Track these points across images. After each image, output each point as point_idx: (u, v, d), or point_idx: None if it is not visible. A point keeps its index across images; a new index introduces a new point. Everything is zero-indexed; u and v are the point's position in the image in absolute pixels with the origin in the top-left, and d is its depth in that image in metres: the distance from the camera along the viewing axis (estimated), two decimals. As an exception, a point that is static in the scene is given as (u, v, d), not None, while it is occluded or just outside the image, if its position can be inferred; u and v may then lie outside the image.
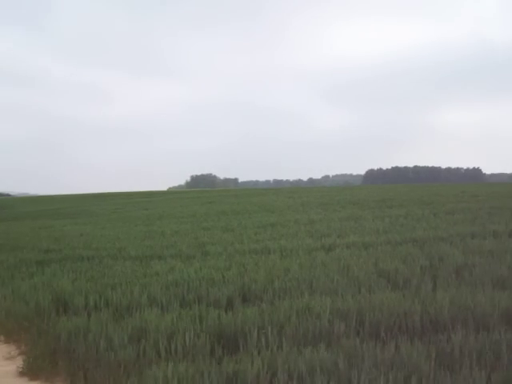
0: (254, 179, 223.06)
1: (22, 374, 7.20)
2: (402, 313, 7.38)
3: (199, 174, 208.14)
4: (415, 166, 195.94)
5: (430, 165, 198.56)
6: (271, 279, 10.05)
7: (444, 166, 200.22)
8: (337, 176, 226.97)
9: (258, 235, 18.51)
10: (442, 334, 6.66)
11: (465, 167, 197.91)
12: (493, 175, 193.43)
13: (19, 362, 7.60)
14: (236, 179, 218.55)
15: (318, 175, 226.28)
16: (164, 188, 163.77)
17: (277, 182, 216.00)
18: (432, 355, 5.91)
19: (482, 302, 7.66)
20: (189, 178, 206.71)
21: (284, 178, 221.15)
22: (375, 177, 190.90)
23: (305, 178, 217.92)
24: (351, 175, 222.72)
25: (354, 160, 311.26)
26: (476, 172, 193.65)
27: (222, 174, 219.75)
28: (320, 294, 8.85)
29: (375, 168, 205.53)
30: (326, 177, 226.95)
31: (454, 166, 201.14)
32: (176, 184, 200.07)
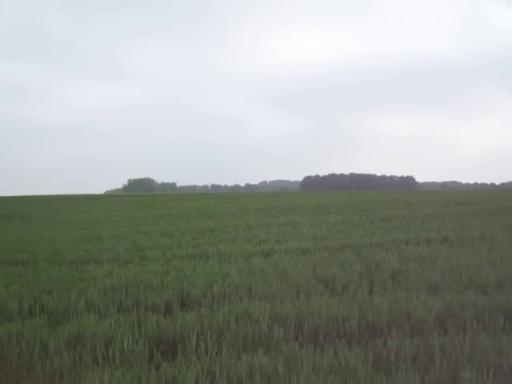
0: (192, 184, 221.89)
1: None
2: (340, 318, 7.49)
3: (137, 177, 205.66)
4: (351, 174, 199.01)
5: (366, 172, 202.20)
6: (210, 284, 10.02)
7: (379, 173, 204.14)
8: (274, 182, 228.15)
9: (196, 240, 18.44)
10: (378, 339, 6.78)
11: (399, 175, 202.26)
12: (425, 183, 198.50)
13: None
14: (174, 184, 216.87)
15: (255, 181, 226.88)
16: (101, 191, 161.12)
17: (215, 187, 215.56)
18: (369, 359, 6.02)
19: (417, 307, 7.85)
20: (126, 182, 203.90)
21: (222, 184, 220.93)
22: (312, 183, 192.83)
23: (242, 184, 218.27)
24: (289, 181, 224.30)
25: (291, 166, 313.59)
26: (409, 180, 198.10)
27: (159, 179, 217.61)
28: (259, 300, 8.88)
29: (312, 175, 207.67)
30: (264, 183, 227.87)
31: (388, 173, 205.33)
32: (113, 188, 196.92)
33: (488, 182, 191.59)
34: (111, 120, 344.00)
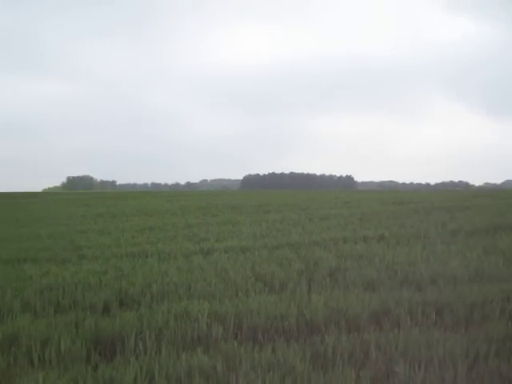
0: (131, 182, 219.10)
1: None
2: (279, 315, 7.57)
3: (76, 175, 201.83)
4: (291, 173, 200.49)
5: (306, 171, 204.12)
6: (149, 283, 9.96)
7: (319, 173, 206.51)
8: (215, 180, 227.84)
9: (135, 239, 18.28)
10: (316, 336, 6.90)
11: (338, 175, 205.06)
12: (363, 183, 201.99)
13: None
14: (114, 182, 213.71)
15: (196, 179, 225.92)
16: (38, 189, 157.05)
17: (155, 185, 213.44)
18: (307, 356, 6.12)
19: (354, 304, 8.02)
20: (65, 180, 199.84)
21: (162, 182, 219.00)
22: (253, 182, 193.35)
23: (183, 182, 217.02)
24: (229, 180, 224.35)
25: (232, 165, 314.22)
26: (348, 179, 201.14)
27: (99, 176, 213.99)
28: (198, 298, 8.89)
29: (253, 173, 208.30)
30: (205, 181, 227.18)
31: (327, 173, 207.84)
32: (51, 185, 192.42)
33: (423, 182, 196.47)
34: (50, 117, 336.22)
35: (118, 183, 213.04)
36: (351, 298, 8.46)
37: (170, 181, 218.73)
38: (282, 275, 10.60)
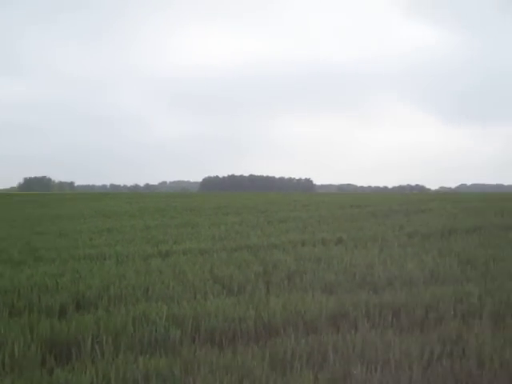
0: (90, 183, 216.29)
1: None
2: (237, 318, 7.56)
3: (33, 176, 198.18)
4: (251, 175, 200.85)
5: (265, 174, 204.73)
6: (106, 286, 9.85)
7: (278, 175, 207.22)
8: (174, 182, 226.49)
9: (93, 241, 18.05)
10: (275, 338, 6.92)
11: (297, 177, 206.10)
12: (322, 186, 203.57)
13: None
14: (72, 183, 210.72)
15: (155, 181, 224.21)
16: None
17: (114, 186, 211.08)
18: (265, 359, 6.13)
19: (312, 307, 8.07)
20: (22, 181, 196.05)
21: (121, 183, 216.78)
22: (212, 184, 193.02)
23: (142, 184, 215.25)
24: (188, 182, 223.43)
25: (191, 167, 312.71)
26: (307, 182, 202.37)
27: (57, 177, 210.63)
28: (156, 301, 8.83)
29: (212, 175, 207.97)
30: (164, 183, 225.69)
31: (287, 175, 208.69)
32: (7, 186, 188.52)
33: (381, 186, 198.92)
34: (7, 116, 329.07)
35: (76, 184, 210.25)
36: (309, 300, 8.51)
37: (129, 182, 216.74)
38: (240, 278, 10.61)
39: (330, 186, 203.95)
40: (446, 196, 65.97)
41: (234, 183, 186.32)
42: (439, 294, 8.88)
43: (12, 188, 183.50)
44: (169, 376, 5.73)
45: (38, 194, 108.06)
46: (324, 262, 12.28)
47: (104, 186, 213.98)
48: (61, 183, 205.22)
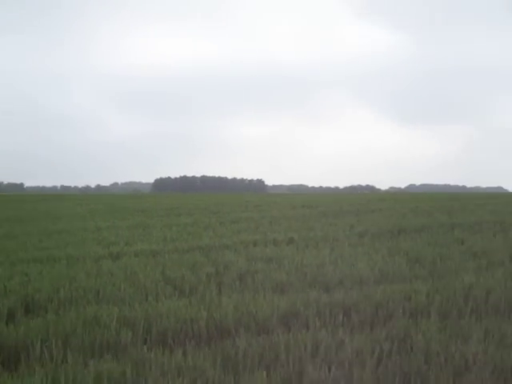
0: (40, 185, 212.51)
1: None
2: (189, 320, 7.54)
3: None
4: (203, 176, 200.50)
5: (217, 175, 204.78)
6: (56, 288, 9.68)
7: (230, 176, 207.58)
8: (126, 183, 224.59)
9: (42, 243, 17.71)
10: (227, 339, 6.92)
11: (249, 178, 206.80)
12: (274, 186, 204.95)
13: None
14: (21, 184, 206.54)
15: (106, 182, 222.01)
16: None
17: (64, 188, 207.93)
18: (217, 360, 6.13)
19: (263, 307, 8.10)
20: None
21: (72, 185, 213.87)
22: (164, 185, 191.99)
23: (93, 185, 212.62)
24: (140, 183, 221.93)
25: (143, 168, 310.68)
26: (259, 183, 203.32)
27: (5, 179, 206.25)
28: (107, 303, 8.73)
29: (164, 176, 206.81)
30: (115, 184, 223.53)
31: (239, 176, 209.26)
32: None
33: (332, 186, 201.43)
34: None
35: (25, 186, 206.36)
36: (261, 300, 8.53)
37: (80, 184, 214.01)
38: (192, 279, 10.57)
39: (282, 186, 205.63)
40: (395, 196, 67.19)
41: (186, 184, 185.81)
42: (389, 292, 9.02)
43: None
44: (120, 378, 5.67)
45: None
46: (275, 262, 12.35)
47: (54, 188, 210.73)
48: (9, 184, 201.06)
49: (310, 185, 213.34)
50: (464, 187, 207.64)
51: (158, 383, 5.55)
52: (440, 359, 6.02)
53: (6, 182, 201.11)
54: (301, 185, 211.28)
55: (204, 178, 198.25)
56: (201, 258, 13.24)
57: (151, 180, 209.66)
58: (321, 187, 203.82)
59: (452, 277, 10.55)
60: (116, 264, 12.66)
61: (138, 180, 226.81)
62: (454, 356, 6.11)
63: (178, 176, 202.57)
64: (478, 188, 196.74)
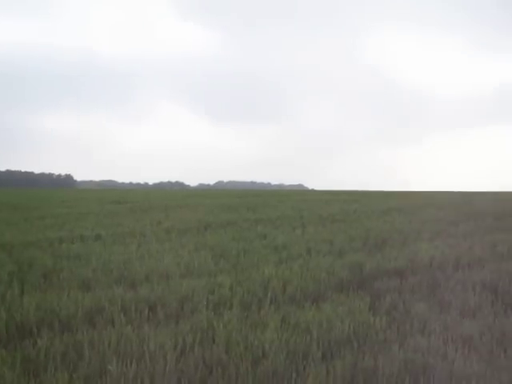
0: None
1: None
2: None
3: None
4: (8, 170, 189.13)
5: (24, 169, 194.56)
6: None
7: (37, 171, 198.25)
8: None
9: None
10: (28, 340, 6.72)
11: (57, 173, 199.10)
12: (83, 182, 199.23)
13: None
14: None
15: None
16: None
17: None
18: (17, 362, 5.94)
19: (67, 304, 7.98)
20: None
21: None
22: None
23: None
24: None
25: None
26: (68, 178, 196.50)
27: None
28: None
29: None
30: None
31: (47, 171, 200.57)
32: None
33: (142, 182, 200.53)
34: None
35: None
36: (65, 298, 8.40)
37: None
38: (-9, 279, 10.08)
39: (91, 182, 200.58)
40: (204, 192, 68.66)
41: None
42: (194, 286, 9.29)
43: None
44: None
45: None
46: (82, 259, 12.17)
47: None
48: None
49: (120, 181, 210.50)
50: (269, 184, 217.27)
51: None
52: (240, 348, 6.36)
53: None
54: (110, 180, 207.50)
55: (9, 173, 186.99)
56: (2, 256, 12.64)
57: None
58: (131, 183, 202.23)
59: (254, 270, 11.09)
60: None
61: None
62: (253, 344, 6.49)
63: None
64: (281, 185, 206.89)
